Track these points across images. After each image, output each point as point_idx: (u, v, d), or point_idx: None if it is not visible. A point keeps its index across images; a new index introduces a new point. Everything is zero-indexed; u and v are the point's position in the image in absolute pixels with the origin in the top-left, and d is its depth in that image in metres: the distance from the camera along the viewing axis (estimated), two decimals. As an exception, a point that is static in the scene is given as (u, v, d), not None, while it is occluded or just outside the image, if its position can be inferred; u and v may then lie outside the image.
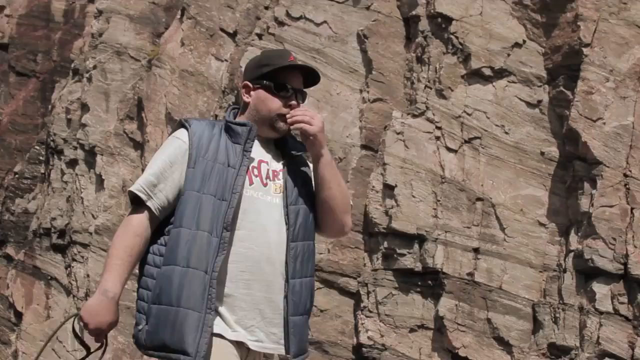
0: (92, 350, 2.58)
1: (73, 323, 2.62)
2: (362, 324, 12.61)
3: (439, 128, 12.42)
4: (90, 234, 16.33)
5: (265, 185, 2.72)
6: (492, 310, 11.77)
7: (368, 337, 12.51)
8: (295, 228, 2.69)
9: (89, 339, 2.64)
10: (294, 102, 2.77)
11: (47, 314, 16.97)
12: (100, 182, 16.44)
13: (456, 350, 11.41)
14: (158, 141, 15.67)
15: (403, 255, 12.17)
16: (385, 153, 12.72)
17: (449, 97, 12.60)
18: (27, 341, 17.18)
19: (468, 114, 12.53)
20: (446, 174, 12.31)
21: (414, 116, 12.71)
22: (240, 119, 2.82)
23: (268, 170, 2.76)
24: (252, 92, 2.83)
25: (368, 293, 12.57)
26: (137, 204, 2.69)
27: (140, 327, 2.67)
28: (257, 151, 2.78)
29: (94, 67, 16.58)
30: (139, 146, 16.55)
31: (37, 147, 18.50)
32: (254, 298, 2.59)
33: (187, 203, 2.60)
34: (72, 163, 17.01)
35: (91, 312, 2.62)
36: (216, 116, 15.07)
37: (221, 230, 2.57)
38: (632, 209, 10.93)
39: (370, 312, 12.46)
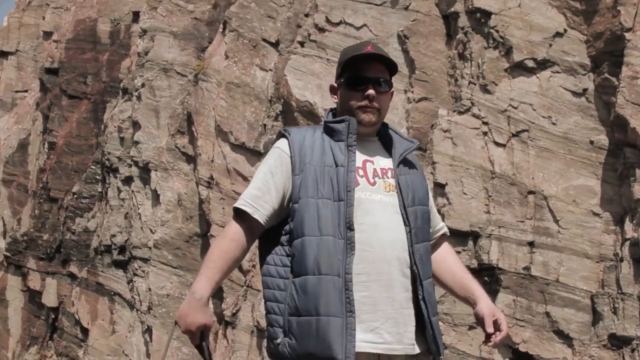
0: (205, 353, 2.60)
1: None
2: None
3: (485, 123, 12.25)
4: (150, 248, 16.43)
5: (373, 184, 2.64)
6: (551, 304, 11.57)
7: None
8: (416, 230, 2.63)
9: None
10: (370, 92, 2.64)
11: (112, 328, 17.12)
12: (156, 197, 16.53)
13: (516, 346, 11.29)
14: (209, 154, 15.71)
15: (458, 252, 12.01)
16: (433, 151, 12.59)
17: (493, 92, 12.42)
18: (94, 356, 17.35)
19: (514, 107, 12.34)
20: (496, 169, 12.14)
21: (460, 113, 12.55)
22: None
23: (374, 169, 2.68)
24: (338, 92, 2.73)
25: (425, 292, 12.43)
26: (241, 218, 2.62)
27: (278, 340, 2.58)
28: (361, 150, 2.69)
29: (142, 85, 16.66)
30: (191, 160, 16.61)
31: (93, 167, 18.69)
32: (375, 299, 2.53)
33: (304, 211, 2.55)
34: (128, 180, 17.14)
35: (181, 315, 2.60)
36: (265, 125, 15.08)
37: (345, 230, 2.52)
38: (686, 194, 10.69)
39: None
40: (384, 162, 2.69)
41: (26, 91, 24.34)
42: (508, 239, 11.72)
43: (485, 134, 12.23)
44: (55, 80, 20.69)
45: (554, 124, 11.89)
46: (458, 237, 11.95)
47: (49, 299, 19.42)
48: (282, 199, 2.60)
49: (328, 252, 2.50)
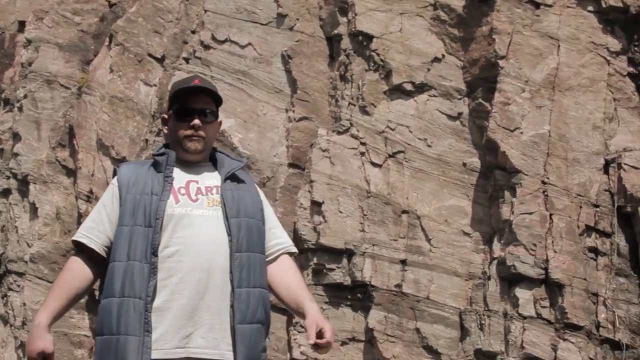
0: None
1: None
2: (295, 339, 12.53)
3: (363, 144, 12.45)
4: (26, 262, 16.08)
5: (195, 200, 2.77)
6: (421, 320, 11.75)
7: (301, 352, 12.43)
8: (238, 239, 2.74)
9: None
10: (196, 122, 2.80)
11: (-16, 344, 16.69)
12: (34, 211, 16.22)
13: (387, 361, 11.68)
14: (90, 168, 15.52)
15: (332, 270, 12.14)
16: (311, 170, 12.70)
17: (372, 113, 12.64)
18: (-36, 372, 16.87)
19: (391, 129, 12.57)
20: (372, 188, 12.32)
21: (339, 133, 12.72)
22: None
23: (198, 187, 2.81)
24: (168, 123, 2.89)
25: (300, 309, 12.51)
26: (81, 250, 2.82)
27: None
28: (185, 174, 2.83)
29: (25, 97, 16.38)
30: (71, 173, 16.33)
31: (-30, 178, 18.30)
32: (192, 306, 2.64)
33: (119, 238, 2.72)
34: (6, 192, 16.77)
35: (27, 342, 2.74)
36: (147, 140, 14.99)
37: (150, 256, 2.66)
38: (550, 215, 10.99)
39: (303, 327, 12.36)
40: (211, 182, 2.86)
41: None
42: (381, 257, 11.89)
43: (362, 154, 12.41)
44: None
45: (429, 146, 12.15)
46: (332, 254, 12.07)
47: None
48: (114, 228, 2.76)
49: (133, 276, 2.66)
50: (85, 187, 15.59)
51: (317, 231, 12.21)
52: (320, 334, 2.73)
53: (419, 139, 12.36)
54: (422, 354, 11.59)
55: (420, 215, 12.10)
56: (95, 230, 2.76)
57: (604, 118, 11.83)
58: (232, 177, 2.83)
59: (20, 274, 15.86)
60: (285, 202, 12.88)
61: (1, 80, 18.26)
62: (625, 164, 10.83)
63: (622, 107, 11.59)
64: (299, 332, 12.30)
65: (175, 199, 2.73)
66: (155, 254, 2.65)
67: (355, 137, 12.62)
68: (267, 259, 2.85)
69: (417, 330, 11.59)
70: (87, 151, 15.57)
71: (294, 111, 13.39)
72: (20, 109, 16.45)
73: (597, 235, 10.97)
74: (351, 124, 12.63)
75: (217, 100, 2.84)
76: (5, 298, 16.25)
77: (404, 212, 12.07)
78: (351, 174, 12.49)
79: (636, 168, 10.77)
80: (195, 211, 2.73)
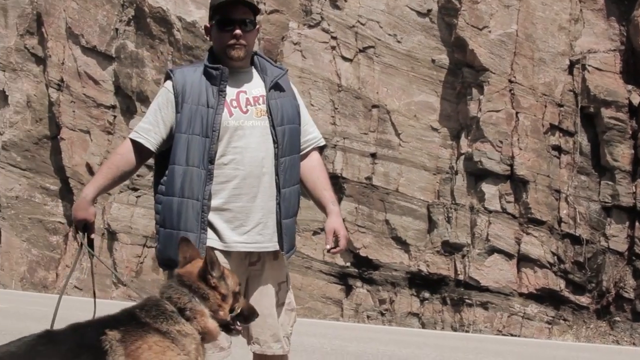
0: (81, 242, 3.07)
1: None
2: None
3: (334, 38, 12.67)
4: (-3, 150, 16.35)
5: (245, 112, 3.02)
6: (390, 212, 12.24)
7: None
8: (283, 146, 3.01)
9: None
10: (237, 32, 3.00)
11: (-41, 230, 17.02)
12: (4, 99, 16.24)
13: (357, 251, 11.90)
14: (60, 56, 15.55)
15: (304, 162, 12.53)
16: (283, 63, 12.95)
17: (343, 8, 12.81)
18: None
19: (362, 24, 12.78)
20: (342, 82, 12.60)
21: (310, 27, 12.91)
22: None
23: (247, 98, 3.04)
24: (211, 33, 3.10)
25: (273, 200, 12.93)
26: (135, 143, 3.07)
27: (155, 245, 3.08)
28: (235, 83, 3.06)
29: (-10, -18, 16.31)
30: (41, 61, 16.34)
31: (-63, 65, 18.24)
32: (247, 207, 2.98)
33: (177, 144, 2.97)
34: (-26, 80, 16.89)
35: (73, 211, 3.06)
36: (117, 30, 15.06)
37: (207, 163, 2.95)
38: (517, 113, 11.35)
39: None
40: (257, 91, 3.06)
41: None
42: (352, 150, 12.29)
43: (333, 48, 12.65)
44: None
45: (399, 41, 12.42)
46: (305, 147, 12.47)
47: None
48: (169, 130, 3.01)
49: (191, 180, 2.96)
50: (55, 76, 15.67)
51: (288, 124, 12.52)
52: (336, 240, 3.17)
53: (389, 34, 12.59)
54: (391, 245, 12.12)
55: (390, 110, 12.42)
56: (152, 132, 3.02)
57: (569, 19, 11.99)
58: (275, 86, 3.09)
59: (-7, 161, 16.12)
60: (257, 95, 13.11)
61: (-36, -35, 18.08)
62: (589, 65, 11.12)
63: (588, 8, 11.80)
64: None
65: (229, 112, 2.99)
66: (212, 162, 2.95)
67: (326, 31, 12.82)
68: (300, 154, 3.16)
69: (387, 221, 12.11)
70: (56, 39, 15.58)
71: (265, 3, 13.50)
72: (-15, -5, 16.40)
73: (561, 134, 11.34)
74: (322, 18, 12.81)
75: (255, 10, 3.16)
76: (-22, 184, 16.54)
77: (374, 106, 12.39)
78: (322, 68, 12.74)
79: (600, 70, 11.12)
80: (247, 122, 3.01)
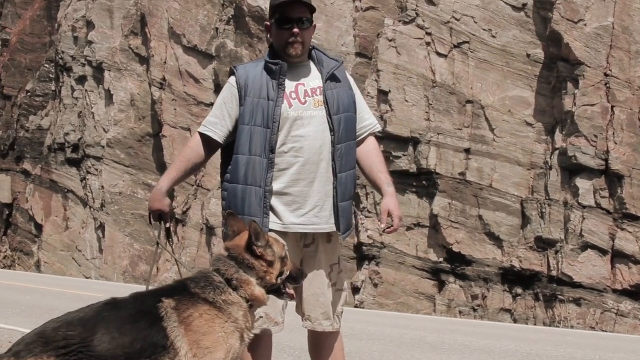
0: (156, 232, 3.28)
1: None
2: (362, 224, 13.14)
3: (429, 34, 12.74)
4: (103, 147, 16.81)
5: (304, 103, 3.23)
6: (484, 208, 12.21)
7: (368, 237, 13.04)
8: (340, 133, 3.24)
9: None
10: (295, 30, 3.20)
11: (65, 225, 17.60)
12: (109, 97, 16.84)
13: (450, 246, 11.94)
14: (162, 55, 16.02)
15: (399, 157, 12.65)
16: (378, 60, 13.06)
17: (437, 4, 12.87)
18: (48, 251, 17.86)
19: (457, 20, 12.81)
20: (437, 78, 12.65)
21: (405, 23, 13.02)
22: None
23: (305, 90, 3.26)
24: (271, 31, 3.31)
25: (367, 195, 13.07)
26: (203, 136, 3.33)
27: (222, 229, 3.35)
28: (293, 76, 3.28)
29: (97, -15, 16.91)
30: (144, 61, 16.87)
31: (47, 65, 18.87)
32: (305, 192, 3.20)
33: (241, 135, 3.21)
34: (82, 80, 17.41)
35: (149, 202, 3.32)
36: (217, 29, 15.45)
37: (268, 152, 3.18)
38: (612, 107, 11.20)
39: (370, 212, 12.97)
40: (314, 83, 3.27)
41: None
42: (446, 146, 12.33)
43: (428, 44, 12.72)
44: (9, -23, 20.77)
45: (493, 37, 12.42)
46: (399, 142, 12.55)
47: (3, 196, 19.66)
48: (234, 123, 3.25)
49: (254, 168, 3.19)
50: (158, 75, 16.16)
51: (383, 120, 12.65)
52: (390, 220, 3.37)
53: (484, 29, 12.59)
54: (484, 240, 12.11)
55: (484, 106, 12.39)
56: (219, 126, 3.25)
57: (669, 11, 11.96)
58: (331, 77, 3.29)
59: (98, 159, 16.64)
60: (352, 91, 13.26)
61: (73, -31, 18.75)
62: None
63: (687, -1, 11.67)
64: (367, 216, 12.91)
65: (289, 104, 3.19)
66: (273, 151, 3.17)
67: (421, 28, 12.89)
68: (357, 140, 3.37)
69: (480, 217, 12.05)
70: (159, 39, 16.06)
71: (360, 1, 13.68)
72: (92, -3, 17.01)
73: (657, 128, 11.26)
74: (417, 14, 12.91)
75: (312, 9, 3.39)
76: (84, 181, 17.08)
77: (469, 102, 12.35)
78: (417, 64, 12.83)
79: (697, 62, 10.96)
80: (306, 113, 3.21)
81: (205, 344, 2.67)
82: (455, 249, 11.76)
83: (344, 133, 3.26)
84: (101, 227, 16.29)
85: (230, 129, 3.27)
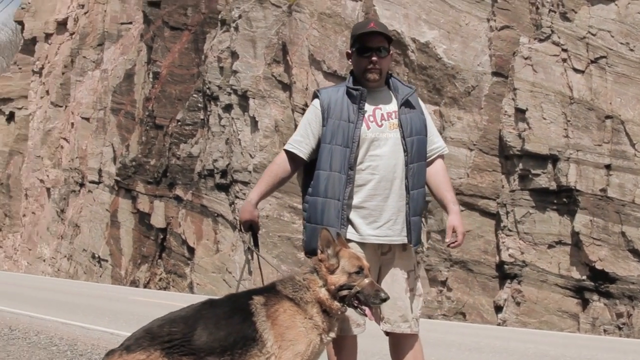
0: (250, 245, 3.65)
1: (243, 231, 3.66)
2: (503, 242, 13.10)
3: (565, 50, 12.64)
4: (250, 172, 17.31)
5: (380, 126, 3.57)
6: (626, 224, 11.89)
7: (509, 255, 13.00)
8: (412, 154, 3.58)
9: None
10: (374, 59, 3.54)
11: (216, 248, 18.17)
12: (254, 124, 17.36)
13: (593, 264, 11.73)
14: (304, 82, 16.39)
15: (538, 175, 12.57)
16: (515, 78, 13.04)
17: (573, 19, 12.76)
18: (200, 273, 18.46)
19: (592, 34, 12.67)
20: (574, 94, 12.53)
21: (540, 40, 12.95)
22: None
23: (382, 114, 3.59)
24: (352, 58, 3.65)
25: (507, 213, 13.03)
26: (289, 153, 3.68)
27: (302, 238, 3.67)
28: (372, 101, 3.61)
29: (239, 17, 17.38)
30: (286, 87, 17.29)
31: (195, 95, 19.58)
32: (380, 207, 3.53)
33: (322, 153, 3.56)
34: (228, 108, 18.00)
35: (239, 213, 3.68)
36: (355, 54, 15.66)
37: (347, 169, 3.50)
38: None
39: (510, 230, 12.92)
40: (390, 107, 3.62)
41: (130, 23, 25.34)
42: (585, 162, 12.19)
43: (564, 60, 12.63)
44: (157, 13, 21.56)
45: (631, 50, 12.21)
46: (537, 160, 12.48)
47: (157, 220, 20.62)
48: (317, 141, 3.61)
49: (333, 183, 3.51)
50: (300, 101, 16.54)
51: (521, 138, 12.61)
52: (455, 236, 3.60)
53: (621, 43, 12.40)
54: (627, 257, 11.87)
55: (624, 120, 12.15)
56: (303, 144, 3.58)
57: None
58: (405, 103, 3.59)
59: (245, 183, 17.13)
60: (489, 109, 13.32)
61: (216, 2, 19.36)
62: None
63: None
64: (507, 235, 12.86)
65: (367, 126, 3.52)
66: (351, 168, 3.48)
67: (557, 44, 12.82)
68: (426, 161, 3.68)
69: (623, 233, 11.82)
70: (300, 66, 16.46)
71: (495, 20, 13.68)
72: (236, 28, 17.49)
73: None
74: (552, 31, 12.83)
75: (389, 39, 3.60)
76: (232, 205, 17.60)
77: (608, 117, 12.16)
78: (554, 81, 12.74)
79: None
80: (382, 135, 3.54)
81: (289, 337, 2.97)
82: (598, 266, 11.59)
83: (416, 154, 3.57)
84: (249, 250, 16.70)
85: (313, 147, 3.58)
